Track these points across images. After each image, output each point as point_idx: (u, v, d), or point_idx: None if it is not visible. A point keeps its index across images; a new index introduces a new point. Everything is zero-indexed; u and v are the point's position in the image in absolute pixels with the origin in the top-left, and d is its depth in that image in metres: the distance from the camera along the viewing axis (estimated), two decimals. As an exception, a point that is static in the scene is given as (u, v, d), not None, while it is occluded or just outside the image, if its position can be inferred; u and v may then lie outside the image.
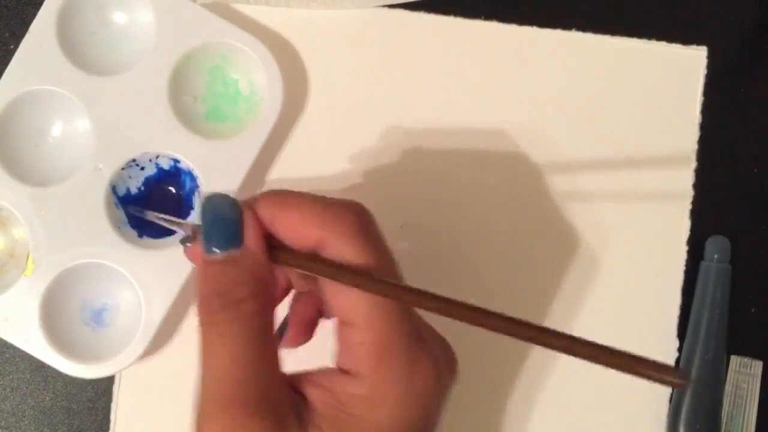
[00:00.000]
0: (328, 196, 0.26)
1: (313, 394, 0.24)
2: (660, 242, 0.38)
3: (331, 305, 0.25)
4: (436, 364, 0.24)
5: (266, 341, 0.24)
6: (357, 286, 0.23)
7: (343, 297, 0.24)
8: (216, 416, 0.22)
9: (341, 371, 0.24)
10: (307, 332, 0.30)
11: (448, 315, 0.22)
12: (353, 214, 0.25)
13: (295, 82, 0.38)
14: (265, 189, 0.38)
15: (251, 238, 0.25)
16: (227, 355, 0.23)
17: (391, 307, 0.24)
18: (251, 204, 0.25)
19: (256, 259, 0.25)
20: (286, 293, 0.30)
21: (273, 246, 0.25)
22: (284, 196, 0.26)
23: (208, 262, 0.24)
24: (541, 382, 0.37)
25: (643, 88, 0.38)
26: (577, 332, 0.21)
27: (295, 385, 0.25)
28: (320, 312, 0.30)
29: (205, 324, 0.24)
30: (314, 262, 0.24)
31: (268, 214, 0.25)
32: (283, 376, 0.25)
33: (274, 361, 0.24)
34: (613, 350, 0.20)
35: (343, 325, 0.25)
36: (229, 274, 0.24)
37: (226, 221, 0.25)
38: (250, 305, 0.24)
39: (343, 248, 0.24)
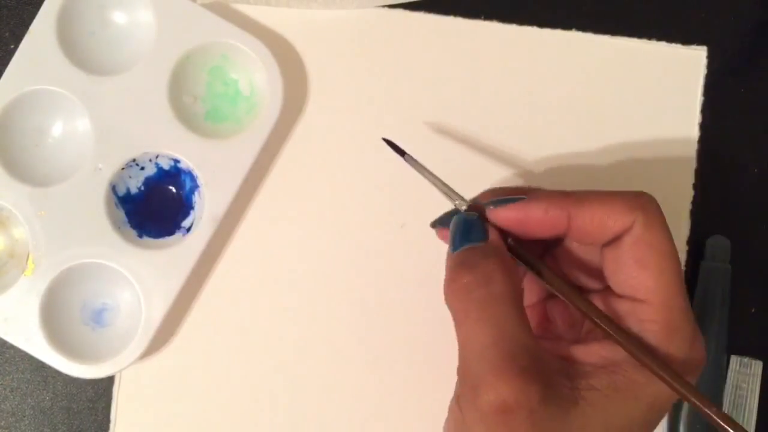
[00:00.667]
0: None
1: (587, 357, 0.27)
2: (660, 242, 0.38)
3: (619, 282, 0.28)
4: (704, 351, 0.28)
5: (522, 315, 0.26)
6: (566, 297, 0.28)
7: (640, 277, 0.27)
8: (494, 385, 0.24)
9: None
10: None
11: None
12: (655, 203, 0.28)
13: (295, 82, 0.38)
14: (265, 189, 0.38)
15: (492, 232, 0.28)
16: (493, 331, 0.26)
17: (684, 294, 0.27)
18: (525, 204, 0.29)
19: (497, 244, 0.28)
20: None
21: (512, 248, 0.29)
22: (576, 196, 0.28)
23: (458, 252, 0.28)
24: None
25: (643, 88, 0.38)
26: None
27: (561, 351, 0.28)
28: None
29: (463, 302, 0.26)
30: (538, 264, 0.28)
31: (556, 215, 0.28)
32: (544, 344, 0.28)
33: (532, 333, 0.26)
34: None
35: (634, 302, 0.27)
36: (477, 253, 0.28)
37: (473, 227, 0.29)
38: (500, 279, 0.26)
39: (648, 232, 0.27)
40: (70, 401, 0.38)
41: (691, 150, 0.38)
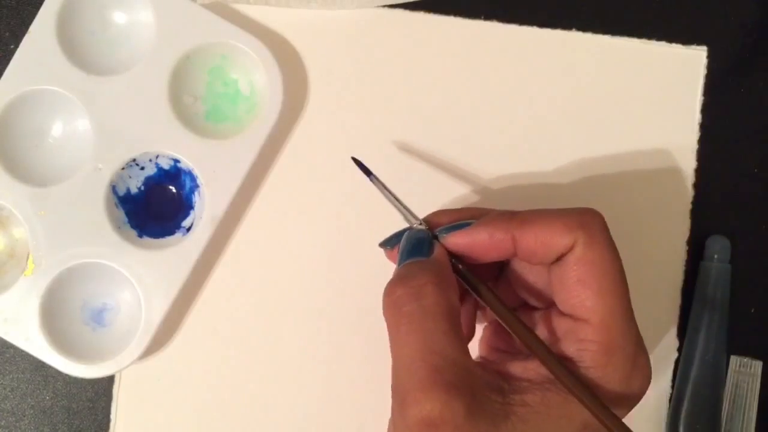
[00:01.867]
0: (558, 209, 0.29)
1: (525, 373, 0.27)
2: (660, 242, 0.38)
3: (563, 301, 0.28)
4: (648, 371, 0.28)
5: (454, 330, 0.26)
6: (505, 321, 0.28)
7: (580, 296, 0.27)
8: (420, 399, 0.24)
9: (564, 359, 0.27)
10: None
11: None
12: (599, 219, 0.28)
13: (295, 82, 0.38)
14: (265, 189, 0.38)
15: (438, 249, 0.29)
16: (421, 345, 0.25)
17: (625, 313, 0.27)
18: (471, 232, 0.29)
19: (439, 261, 0.28)
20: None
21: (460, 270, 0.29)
22: (521, 218, 0.28)
23: (400, 267, 0.28)
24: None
25: (643, 88, 0.38)
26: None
27: (501, 367, 0.28)
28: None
29: (395, 316, 0.26)
30: (481, 287, 0.28)
31: (501, 238, 0.28)
32: (476, 359, 0.27)
33: (464, 348, 0.26)
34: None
35: (576, 321, 0.27)
36: (413, 266, 0.28)
37: (421, 243, 0.29)
38: (431, 292, 0.26)
39: (590, 251, 0.27)
40: (70, 401, 0.38)
41: (691, 150, 0.38)
